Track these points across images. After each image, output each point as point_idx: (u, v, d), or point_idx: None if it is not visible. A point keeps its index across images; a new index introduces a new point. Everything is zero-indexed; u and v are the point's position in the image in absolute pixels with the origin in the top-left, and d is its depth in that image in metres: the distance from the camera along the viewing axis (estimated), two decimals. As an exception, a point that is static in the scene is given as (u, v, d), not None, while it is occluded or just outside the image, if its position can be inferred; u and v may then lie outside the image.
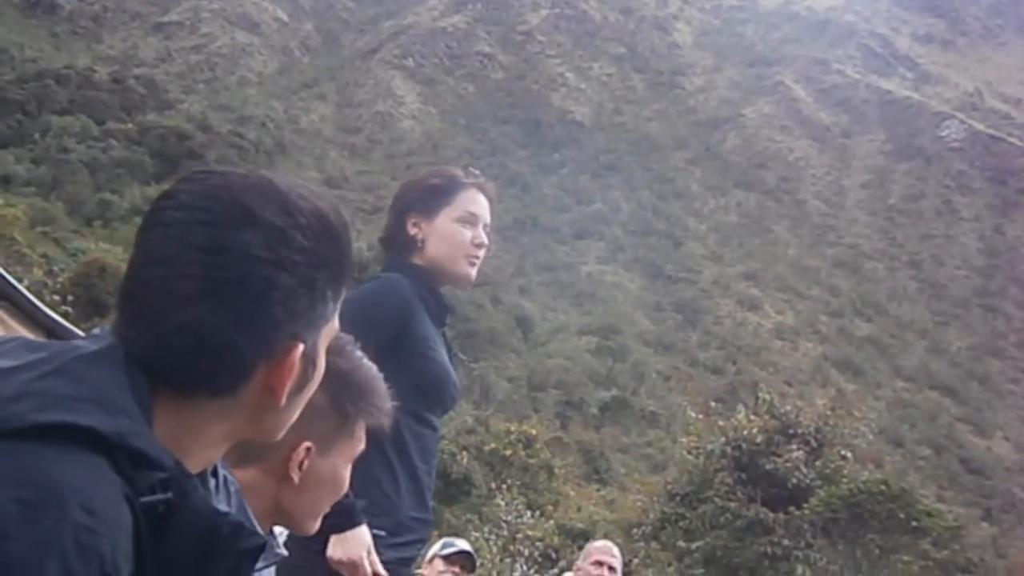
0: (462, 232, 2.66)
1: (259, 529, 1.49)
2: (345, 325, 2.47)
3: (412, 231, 2.68)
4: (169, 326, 0.94)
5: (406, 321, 2.57)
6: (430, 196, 2.68)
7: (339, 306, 1.09)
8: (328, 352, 1.57)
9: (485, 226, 2.72)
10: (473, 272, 2.71)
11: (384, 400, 1.65)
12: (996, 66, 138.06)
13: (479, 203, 2.71)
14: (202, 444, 1.00)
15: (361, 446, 1.66)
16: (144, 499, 0.89)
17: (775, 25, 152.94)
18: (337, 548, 2.24)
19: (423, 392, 2.52)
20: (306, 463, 1.56)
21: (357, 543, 2.24)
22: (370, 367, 1.66)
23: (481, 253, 2.70)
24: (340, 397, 1.59)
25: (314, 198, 1.02)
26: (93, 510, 0.83)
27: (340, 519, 2.03)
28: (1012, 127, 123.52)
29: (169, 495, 0.91)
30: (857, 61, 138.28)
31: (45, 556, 0.80)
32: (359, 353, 1.65)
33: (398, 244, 2.71)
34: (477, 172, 2.79)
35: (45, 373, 0.89)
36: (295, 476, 1.56)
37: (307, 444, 1.55)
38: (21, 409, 0.86)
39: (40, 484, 0.82)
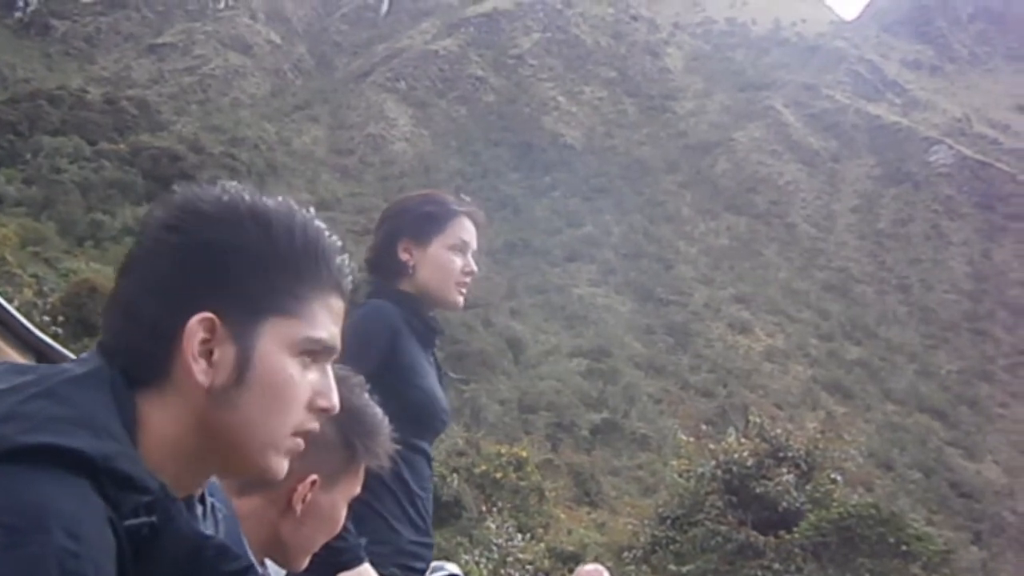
0: (454, 260, 2.66)
1: (250, 556, 1.47)
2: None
3: (403, 256, 2.67)
4: (108, 301, 1.00)
5: (392, 350, 2.57)
6: (423, 222, 2.67)
7: (309, 310, 1.04)
8: (343, 388, 1.57)
9: (473, 253, 2.73)
10: (461, 300, 2.71)
11: (387, 443, 1.66)
12: (984, 92, 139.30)
13: (469, 231, 2.72)
14: (176, 455, 0.99)
15: (358, 488, 1.66)
16: (128, 522, 0.89)
17: (765, 50, 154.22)
18: None
19: (412, 420, 2.49)
20: (309, 496, 1.56)
21: None
22: (377, 409, 1.65)
23: (469, 280, 2.71)
24: (350, 433, 1.59)
25: (262, 197, 1.04)
26: (77, 535, 0.83)
27: (348, 556, 2.04)
28: (1000, 152, 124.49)
29: (153, 518, 0.91)
30: (846, 86, 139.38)
31: None
32: (367, 395, 1.65)
33: (386, 268, 2.71)
34: (468, 199, 2.80)
35: (32, 395, 0.90)
36: (298, 508, 1.56)
37: (314, 477, 1.55)
38: (7, 431, 0.86)
39: (24, 509, 0.82)
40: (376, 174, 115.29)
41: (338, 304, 1.08)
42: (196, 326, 0.97)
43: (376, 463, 1.65)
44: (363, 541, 2.26)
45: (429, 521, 2.66)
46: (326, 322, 1.05)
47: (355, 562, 2.21)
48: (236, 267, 0.99)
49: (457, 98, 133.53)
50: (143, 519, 0.90)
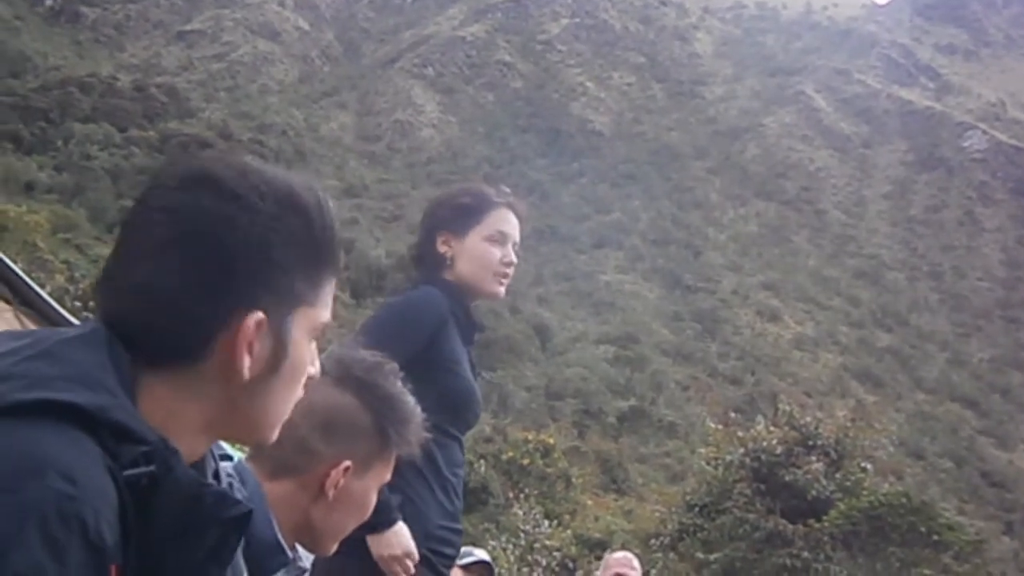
0: (491, 251, 2.69)
1: (278, 535, 1.49)
2: (377, 332, 2.48)
3: (442, 249, 2.70)
4: (127, 284, 0.97)
5: (437, 335, 2.60)
6: (460, 214, 2.71)
7: (323, 295, 1.06)
8: (378, 375, 1.61)
9: (514, 244, 2.75)
10: (502, 290, 2.75)
11: (419, 432, 1.65)
12: (1019, 77, 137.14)
13: (509, 222, 2.73)
14: (182, 427, 0.99)
15: (388, 475, 1.66)
16: (127, 472, 0.90)
17: (796, 35, 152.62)
18: (381, 546, 2.31)
19: (447, 407, 2.52)
20: (342, 482, 1.55)
21: (399, 540, 2.32)
22: (410, 397, 1.65)
23: (510, 271, 2.73)
24: (384, 420, 1.59)
25: (288, 176, 1.04)
26: (74, 479, 0.83)
27: (379, 517, 2.03)
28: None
29: (152, 468, 0.92)
30: (879, 71, 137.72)
31: (26, 524, 0.80)
32: (400, 382, 1.65)
33: (427, 261, 2.74)
34: (507, 190, 2.82)
35: (28, 356, 0.91)
36: (331, 494, 1.55)
37: (347, 463, 1.54)
38: (2, 390, 0.87)
39: (19, 456, 0.83)
40: (404, 160, 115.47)
41: (334, 283, 1.11)
42: (252, 326, 0.98)
43: (408, 451, 1.64)
44: (397, 500, 2.30)
45: (459, 506, 2.68)
46: (330, 303, 1.08)
47: (388, 522, 2.29)
48: (279, 262, 1.00)
49: (485, 84, 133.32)
50: (142, 468, 0.91)
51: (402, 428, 1.61)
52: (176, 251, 0.96)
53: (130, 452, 0.90)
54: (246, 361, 0.99)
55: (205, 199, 0.97)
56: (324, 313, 1.07)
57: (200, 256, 0.96)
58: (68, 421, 0.87)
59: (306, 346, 1.06)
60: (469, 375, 2.68)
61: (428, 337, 2.57)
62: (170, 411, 0.98)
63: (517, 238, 2.75)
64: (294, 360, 1.04)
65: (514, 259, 2.73)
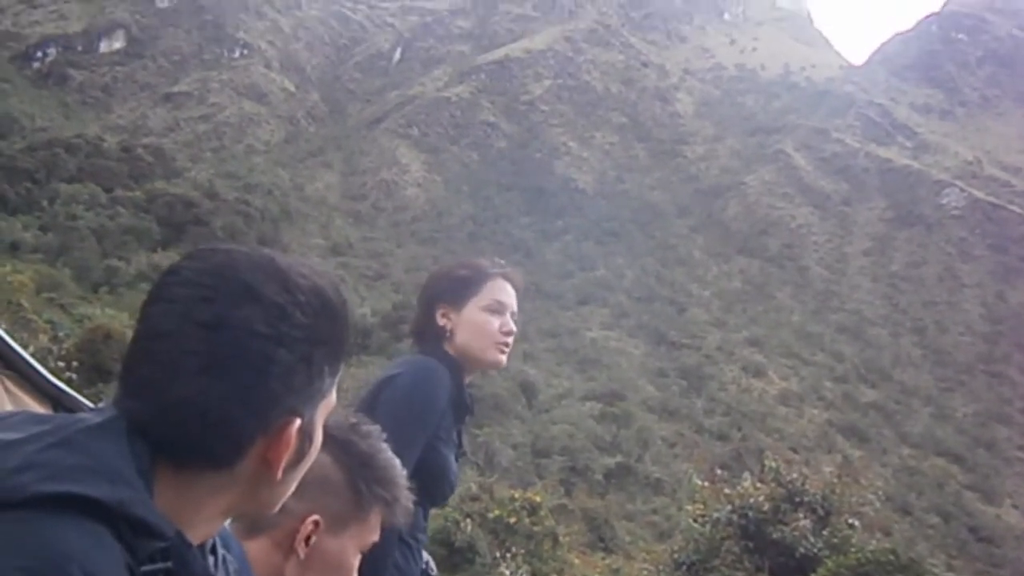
0: (490, 321, 2.70)
1: None
2: (398, 414, 2.46)
3: (441, 321, 2.71)
4: (170, 399, 0.96)
5: (443, 413, 2.62)
6: (458, 287, 2.73)
7: (336, 381, 1.09)
8: (353, 434, 1.59)
9: (513, 314, 2.76)
10: (503, 359, 2.75)
11: (400, 492, 1.62)
12: (995, 135, 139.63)
13: (506, 292, 2.76)
14: (200, 517, 1.01)
15: (374, 537, 1.63)
16: (144, 568, 0.90)
17: (775, 95, 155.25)
18: None
19: (419, 480, 2.48)
20: (314, 538, 1.53)
21: None
22: (393, 459, 1.63)
23: (510, 340, 2.73)
24: (356, 477, 1.57)
25: (314, 276, 1.05)
26: None
27: None
28: (1012, 195, 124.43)
29: (169, 564, 0.93)
30: (856, 130, 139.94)
31: None
32: (384, 444, 1.63)
33: (428, 335, 2.74)
34: (502, 262, 2.86)
35: (49, 445, 0.91)
36: (301, 551, 1.53)
37: (315, 517, 1.53)
38: (25, 480, 0.87)
39: (43, 553, 0.83)
40: (389, 219, 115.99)
41: None
42: (293, 433, 1.02)
43: (388, 512, 1.61)
44: None
45: (417, 571, 2.62)
46: None
47: None
48: (318, 370, 1.03)
49: (469, 144, 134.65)
50: (159, 564, 0.92)
51: (376, 486, 1.58)
52: (223, 370, 0.96)
53: (147, 547, 0.91)
54: (284, 463, 1.03)
55: (250, 317, 0.98)
56: (334, 396, 1.11)
57: (248, 375, 0.97)
58: (89, 514, 0.88)
59: (320, 430, 1.10)
60: (448, 453, 2.64)
61: (439, 418, 2.58)
62: (190, 502, 1.00)
63: (515, 307, 2.77)
64: (314, 449, 1.10)
65: (513, 328, 2.74)
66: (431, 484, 2.58)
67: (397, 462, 1.63)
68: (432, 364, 2.63)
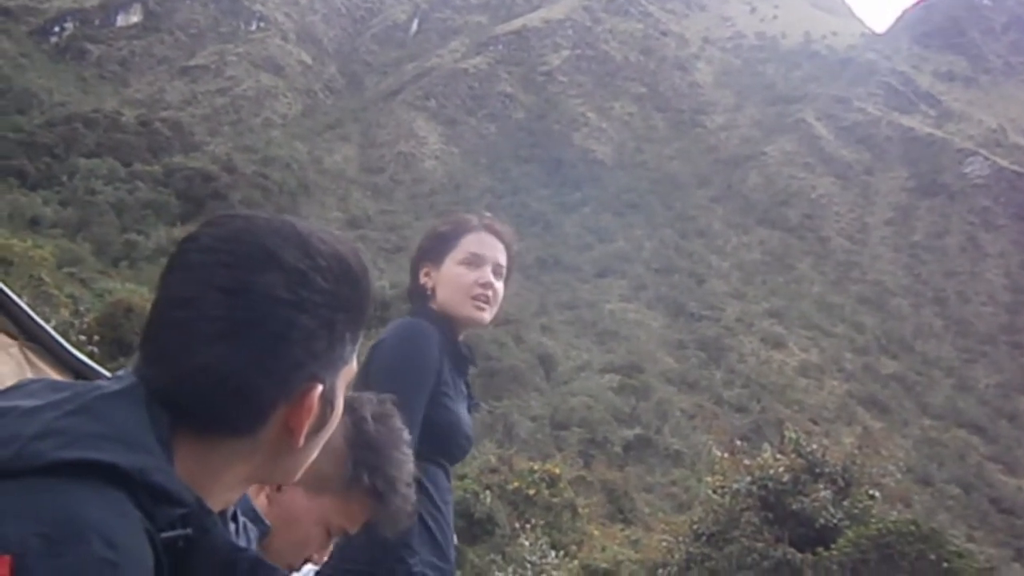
0: (464, 274, 2.62)
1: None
2: (389, 379, 2.41)
3: (423, 280, 2.68)
4: (191, 366, 0.96)
5: (440, 370, 2.57)
6: (438, 243, 2.68)
7: (357, 348, 1.08)
8: (374, 418, 1.57)
9: (498, 267, 2.66)
10: (482, 315, 2.64)
11: (395, 496, 1.57)
12: (1019, 103, 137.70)
13: (484, 243, 2.67)
14: (221, 484, 1.01)
15: (347, 522, 1.59)
16: (164, 534, 0.91)
17: (796, 64, 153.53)
18: None
19: (434, 439, 2.49)
20: (284, 489, 1.52)
21: None
22: (404, 463, 1.59)
23: (489, 293, 2.63)
24: (356, 456, 1.54)
25: (335, 242, 1.04)
26: (115, 544, 0.84)
27: None
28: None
29: (189, 531, 0.93)
30: (878, 99, 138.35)
31: None
32: (404, 448, 1.60)
33: (415, 295, 2.72)
34: (489, 215, 2.79)
35: (68, 412, 0.91)
36: (270, 490, 1.52)
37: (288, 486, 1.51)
38: (44, 447, 0.87)
39: (62, 519, 0.83)
40: (407, 192, 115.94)
41: None
42: (315, 399, 1.01)
43: (374, 505, 1.57)
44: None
45: (451, 537, 2.60)
46: None
47: None
48: (339, 336, 1.02)
49: (487, 115, 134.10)
50: (179, 531, 0.92)
51: (371, 475, 1.54)
52: (244, 336, 0.96)
53: (167, 514, 0.91)
54: (306, 430, 1.03)
55: (271, 282, 0.97)
56: (355, 364, 1.10)
57: (270, 341, 0.96)
58: (108, 481, 0.88)
59: (342, 397, 1.09)
60: (457, 407, 2.60)
61: (434, 375, 2.53)
62: (212, 471, 1.00)
63: (501, 260, 2.68)
64: (335, 415, 1.09)
65: (492, 280, 2.64)
66: (444, 440, 2.56)
67: (408, 468, 1.58)
68: (415, 322, 2.59)
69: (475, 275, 2.61)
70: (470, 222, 2.70)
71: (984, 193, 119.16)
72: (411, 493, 1.60)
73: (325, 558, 1.69)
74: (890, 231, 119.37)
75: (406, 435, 1.62)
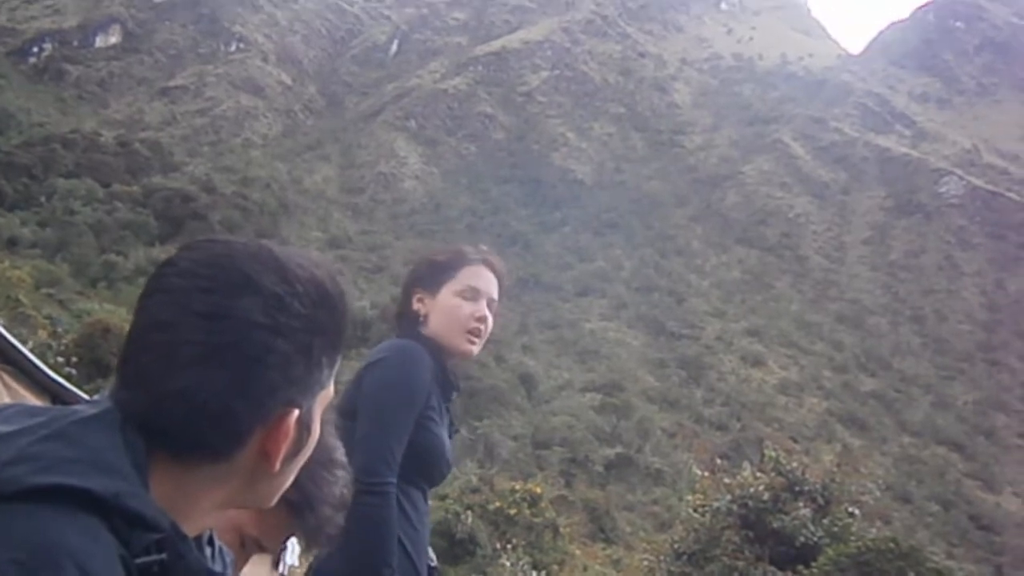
0: (461, 306, 2.65)
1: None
2: (382, 398, 2.48)
3: (416, 306, 2.69)
4: (168, 389, 0.95)
5: (429, 394, 2.59)
6: (434, 271, 2.70)
7: (334, 372, 1.08)
8: (317, 466, 1.48)
9: (491, 302, 2.70)
10: (473, 348, 2.68)
11: (319, 513, 1.52)
12: (992, 123, 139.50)
13: (482, 278, 2.70)
14: (197, 509, 1.01)
15: (261, 534, 1.54)
16: (139, 560, 0.90)
17: (772, 85, 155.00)
18: None
19: (415, 461, 2.52)
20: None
21: None
22: (329, 481, 1.52)
23: (482, 328, 2.67)
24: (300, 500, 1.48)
25: (312, 266, 1.04)
26: (88, 570, 0.83)
27: None
28: (1010, 182, 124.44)
29: (164, 556, 0.92)
30: (854, 119, 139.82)
31: None
32: (336, 469, 1.54)
33: (406, 319, 2.72)
34: (485, 248, 2.81)
35: (42, 437, 0.91)
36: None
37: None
38: (19, 472, 0.87)
39: (37, 545, 0.83)
40: (387, 212, 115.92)
41: None
42: (291, 424, 1.01)
43: (294, 519, 1.52)
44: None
45: (424, 558, 2.61)
46: None
47: None
48: (316, 361, 1.02)
49: (467, 136, 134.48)
50: (154, 556, 0.91)
51: (294, 488, 1.47)
52: (222, 360, 0.95)
53: (142, 539, 0.91)
54: (283, 454, 1.02)
55: (249, 307, 0.97)
56: (332, 388, 1.09)
57: (247, 366, 0.96)
58: (83, 507, 0.87)
59: (319, 421, 1.09)
60: (441, 432, 2.62)
61: (425, 397, 2.55)
62: (188, 495, 0.99)
63: (494, 295, 2.71)
64: (312, 440, 1.08)
65: (486, 314, 2.67)
66: (426, 464, 2.59)
67: (334, 490, 1.54)
68: (412, 345, 2.61)
69: (471, 308, 2.65)
70: (469, 254, 2.73)
71: (960, 212, 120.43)
72: (335, 516, 1.54)
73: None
74: (867, 250, 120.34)
75: (339, 455, 1.57)
